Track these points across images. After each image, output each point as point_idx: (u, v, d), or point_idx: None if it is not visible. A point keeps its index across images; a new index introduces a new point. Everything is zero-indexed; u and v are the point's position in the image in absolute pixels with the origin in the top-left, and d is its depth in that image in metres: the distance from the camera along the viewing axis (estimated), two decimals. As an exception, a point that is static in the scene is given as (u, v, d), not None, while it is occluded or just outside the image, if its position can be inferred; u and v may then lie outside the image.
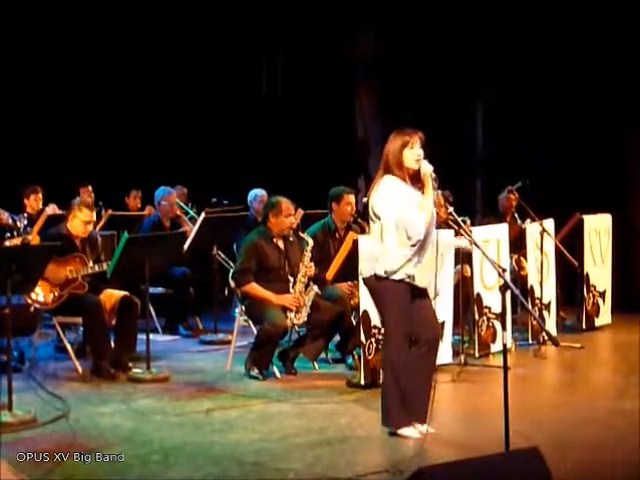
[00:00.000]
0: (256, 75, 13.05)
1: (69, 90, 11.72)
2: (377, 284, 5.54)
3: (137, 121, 12.12)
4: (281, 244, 7.45)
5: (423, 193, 5.46)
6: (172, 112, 12.25)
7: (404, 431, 5.53)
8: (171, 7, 12.17)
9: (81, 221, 7.47)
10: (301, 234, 7.52)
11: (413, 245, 5.40)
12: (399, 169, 5.50)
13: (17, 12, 11.33)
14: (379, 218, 5.49)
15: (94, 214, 7.65)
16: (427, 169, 5.46)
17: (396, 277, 5.44)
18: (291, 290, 7.29)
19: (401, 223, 5.38)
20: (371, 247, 5.59)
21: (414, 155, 5.47)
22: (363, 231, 8.11)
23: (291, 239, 7.51)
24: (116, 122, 12.05)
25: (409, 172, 5.50)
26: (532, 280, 8.52)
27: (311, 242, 7.37)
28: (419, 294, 5.56)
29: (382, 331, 6.09)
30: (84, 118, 11.86)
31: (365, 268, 5.63)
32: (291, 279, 7.33)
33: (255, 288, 7.26)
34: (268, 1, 12.32)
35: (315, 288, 7.28)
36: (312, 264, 7.36)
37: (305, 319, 7.23)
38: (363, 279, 5.76)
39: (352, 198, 7.92)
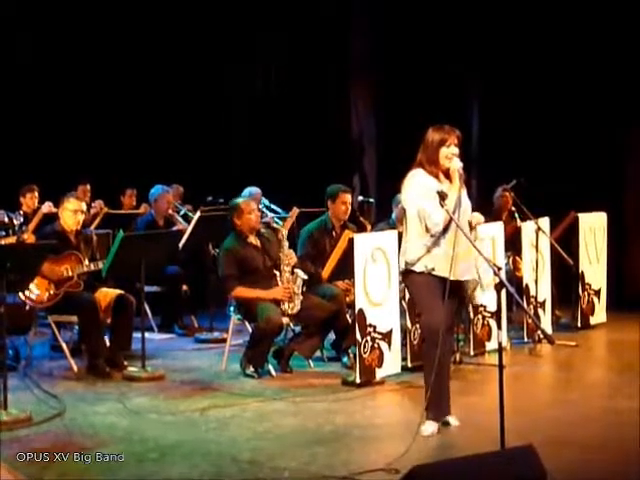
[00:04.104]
0: (252, 75, 13.05)
1: (68, 90, 11.71)
2: (406, 277, 5.70)
3: (133, 120, 12.10)
4: (256, 241, 7.45)
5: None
6: (167, 111, 12.24)
7: (427, 425, 5.56)
8: (169, 7, 12.16)
9: (70, 211, 7.46)
10: (272, 224, 7.57)
11: (432, 236, 5.47)
12: (433, 165, 5.56)
13: (17, 12, 11.32)
14: (405, 211, 5.62)
15: (83, 204, 7.64)
16: (456, 165, 5.54)
17: (416, 269, 5.53)
18: (279, 282, 7.29)
19: (421, 215, 5.47)
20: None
21: (447, 153, 5.54)
22: (361, 229, 8.11)
23: (263, 231, 7.54)
24: (113, 121, 12.04)
25: (442, 169, 5.57)
26: (527, 278, 8.52)
27: (284, 230, 7.43)
28: (449, 290, 5.40)
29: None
30: (82, 117, 11.84)
31: (402, 262, 5.71)
32: (276, 273, 7.34)
33: (243, 291, 7.26)
34: (266, 2, 12.32)
35: (300, 273, 7.29)
36: (291, 251, 7.40)
37: (299, 307, 7.23)
38: (399, 272, 5.97)
39: (348, 197, 7.87)
